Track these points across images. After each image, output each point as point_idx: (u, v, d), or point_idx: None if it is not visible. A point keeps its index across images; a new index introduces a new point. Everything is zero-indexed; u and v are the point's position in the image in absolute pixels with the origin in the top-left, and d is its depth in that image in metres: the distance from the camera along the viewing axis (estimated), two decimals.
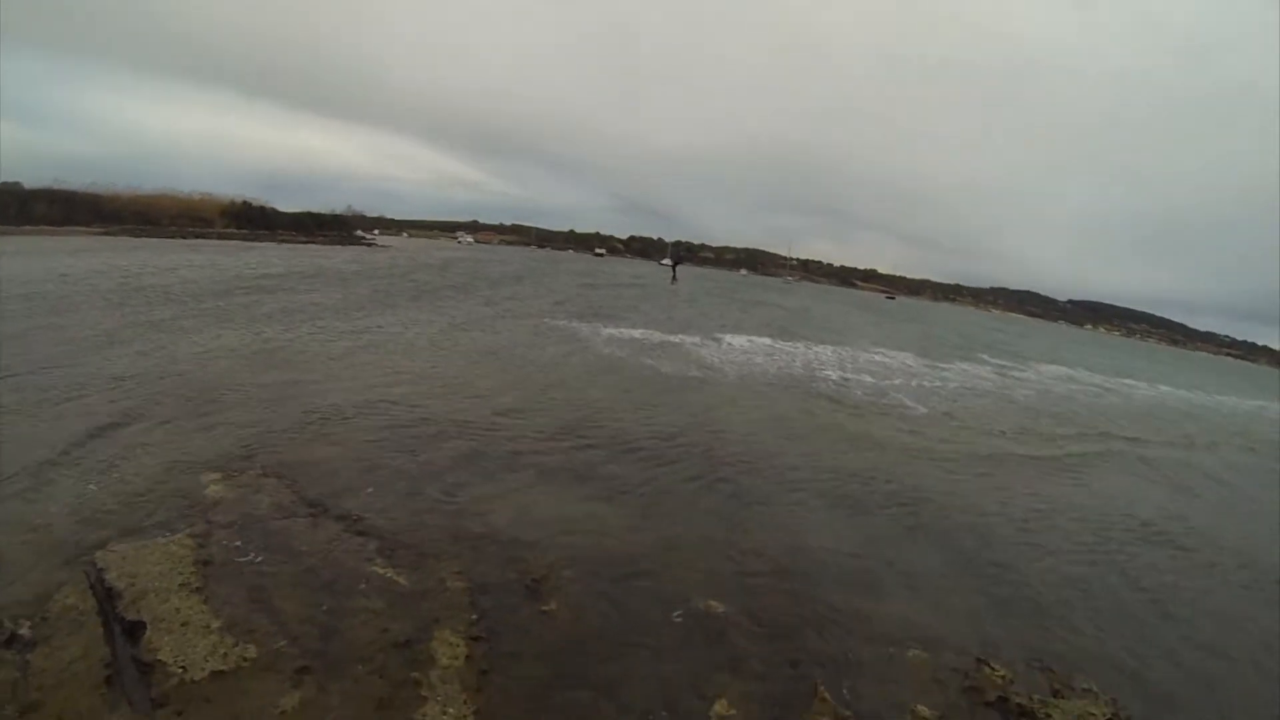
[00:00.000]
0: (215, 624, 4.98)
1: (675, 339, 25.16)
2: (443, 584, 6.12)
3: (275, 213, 79.26)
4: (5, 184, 56.17)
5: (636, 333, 25.67)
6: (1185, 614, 8.07)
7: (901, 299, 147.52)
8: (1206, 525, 11.68)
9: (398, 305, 26.14)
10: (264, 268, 36.07)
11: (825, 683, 5.26)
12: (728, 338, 28.03)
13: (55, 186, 58.21)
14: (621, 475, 9.78)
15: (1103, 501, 12.02)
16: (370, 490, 8.09)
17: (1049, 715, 5.32)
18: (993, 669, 5.93)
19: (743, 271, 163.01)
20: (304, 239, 73.13)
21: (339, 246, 71.95)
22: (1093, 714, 5.40)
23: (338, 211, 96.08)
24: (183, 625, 4.91)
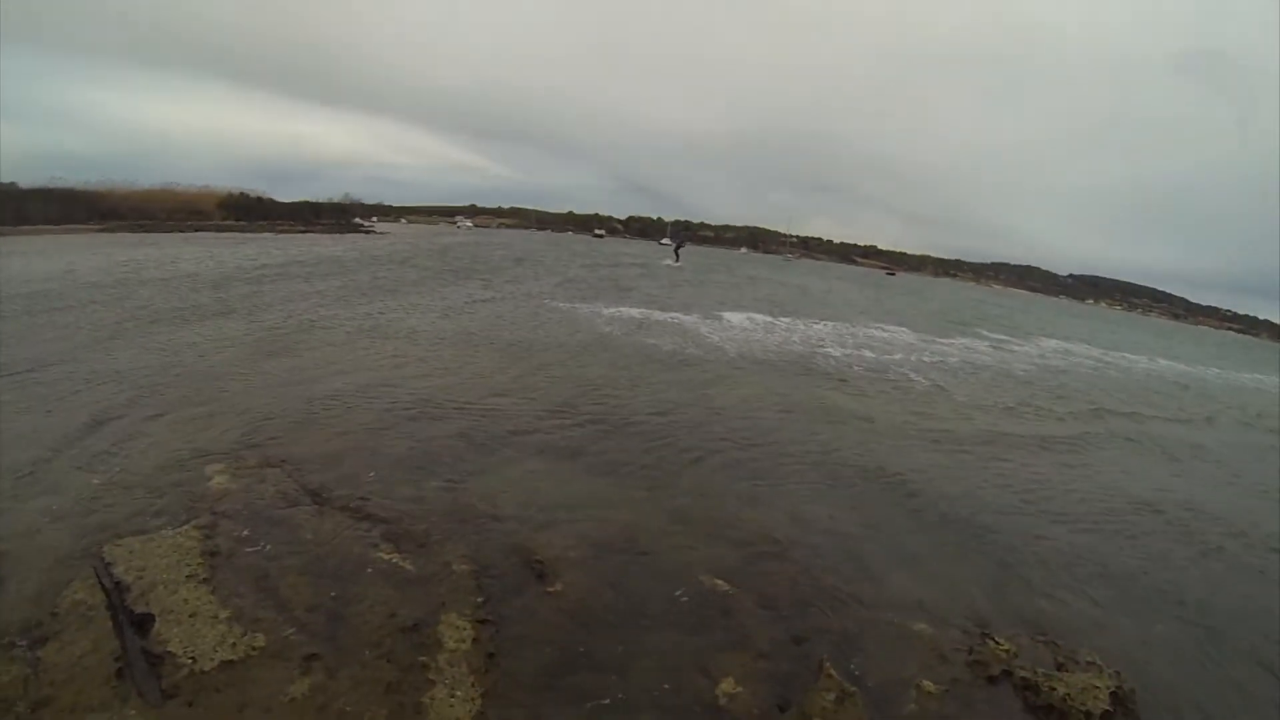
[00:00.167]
0: (223, 614, 5.01)
1: (675, 318, 25.13)
2: (448, 568, 6.15)
3: (273, 203, 79.08)
4: (0, 185, 55.91)
5: (635, 312, 25.63)
6: (1185, 585, 8.12)
7: (902, 275, 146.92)
8: (1204, 499, 11.70)
9: (399, 291, 26.11)
10: (263, 258, 36.00)
11: (831, 659, 5.29)
12: (728, 315, 28.00)
13: (52, 185, 58.01)
14: (623, 456, 9.80)
15: (1102, 476, 12.04)
16: (373, 475, 8.12)
17: (1053, 689, 5.35)
18: (997, 643, 5.96)
19: (743, 250, 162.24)
20: (302, 228, 72.87)
21: (337, 234, 71.71)
22: (1096, 687, 5.43)
23: (335, 200, 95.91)
24: (191, 616, 4.94)
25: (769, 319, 28.66)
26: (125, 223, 56.47)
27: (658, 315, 25.25)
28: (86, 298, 18.81)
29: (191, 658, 4.54)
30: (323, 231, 73.55)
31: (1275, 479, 13.95)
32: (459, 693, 4.53)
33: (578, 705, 4.65)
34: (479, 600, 5.67)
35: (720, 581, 6.49)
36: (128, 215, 58.67)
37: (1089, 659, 5.91)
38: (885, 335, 28.78)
